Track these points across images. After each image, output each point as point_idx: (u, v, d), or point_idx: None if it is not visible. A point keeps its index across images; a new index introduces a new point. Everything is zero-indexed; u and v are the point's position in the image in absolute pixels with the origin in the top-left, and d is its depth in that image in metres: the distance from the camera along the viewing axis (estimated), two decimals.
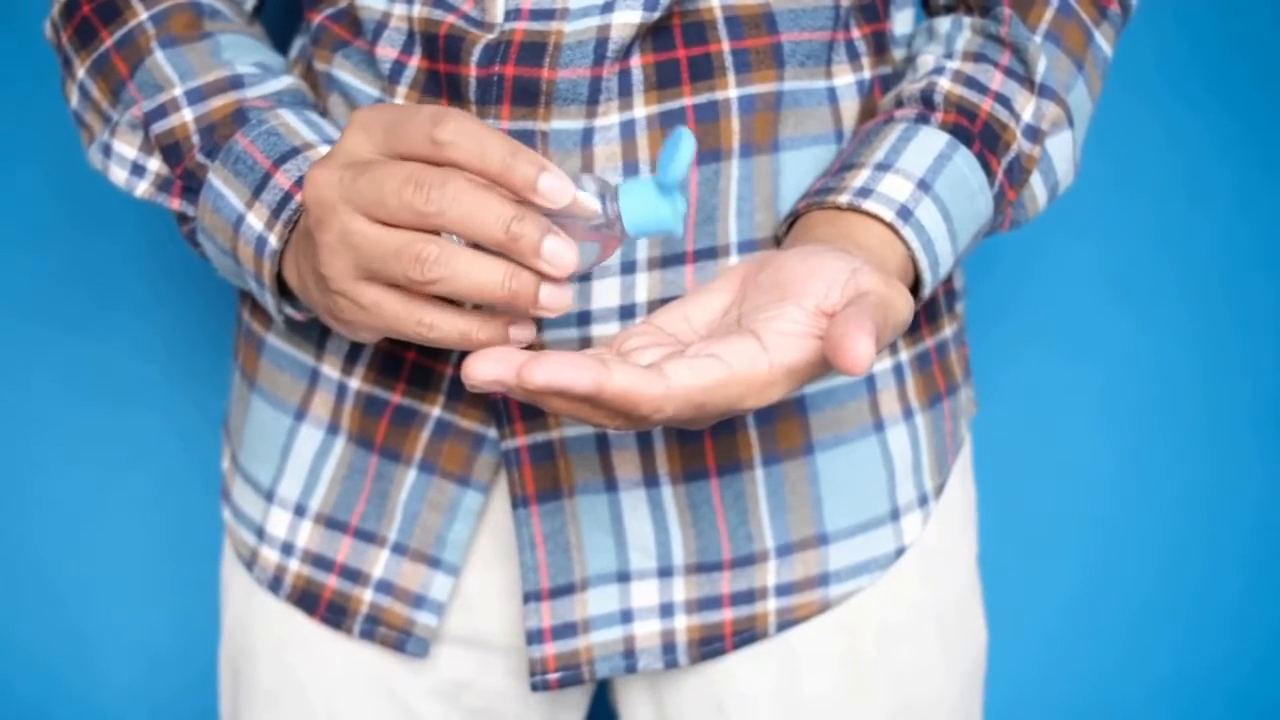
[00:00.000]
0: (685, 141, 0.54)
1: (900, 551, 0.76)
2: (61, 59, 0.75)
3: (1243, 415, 1.21)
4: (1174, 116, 1.15)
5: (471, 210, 0.53)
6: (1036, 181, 0.71)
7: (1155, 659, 1.24)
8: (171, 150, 0.70)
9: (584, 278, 0.68)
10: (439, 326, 0.56)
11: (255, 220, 0.65)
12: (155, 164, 0.71)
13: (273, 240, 0.64)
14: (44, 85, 1.09)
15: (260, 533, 0.79)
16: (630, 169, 0.67)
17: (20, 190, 1.12)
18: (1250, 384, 1.20)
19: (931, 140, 0.67)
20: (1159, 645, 1.24)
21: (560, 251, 0.54)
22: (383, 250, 0.54)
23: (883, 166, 0.65)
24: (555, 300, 0.55)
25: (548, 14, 0.66)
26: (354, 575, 0.76)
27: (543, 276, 0.55)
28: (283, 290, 0.68)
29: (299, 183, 0.64)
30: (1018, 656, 1.21)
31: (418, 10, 0.68)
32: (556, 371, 0.49)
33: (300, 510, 0.77)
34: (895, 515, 0.76)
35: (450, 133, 0.53)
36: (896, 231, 0.64)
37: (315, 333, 0.75)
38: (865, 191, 0.64)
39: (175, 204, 0.71)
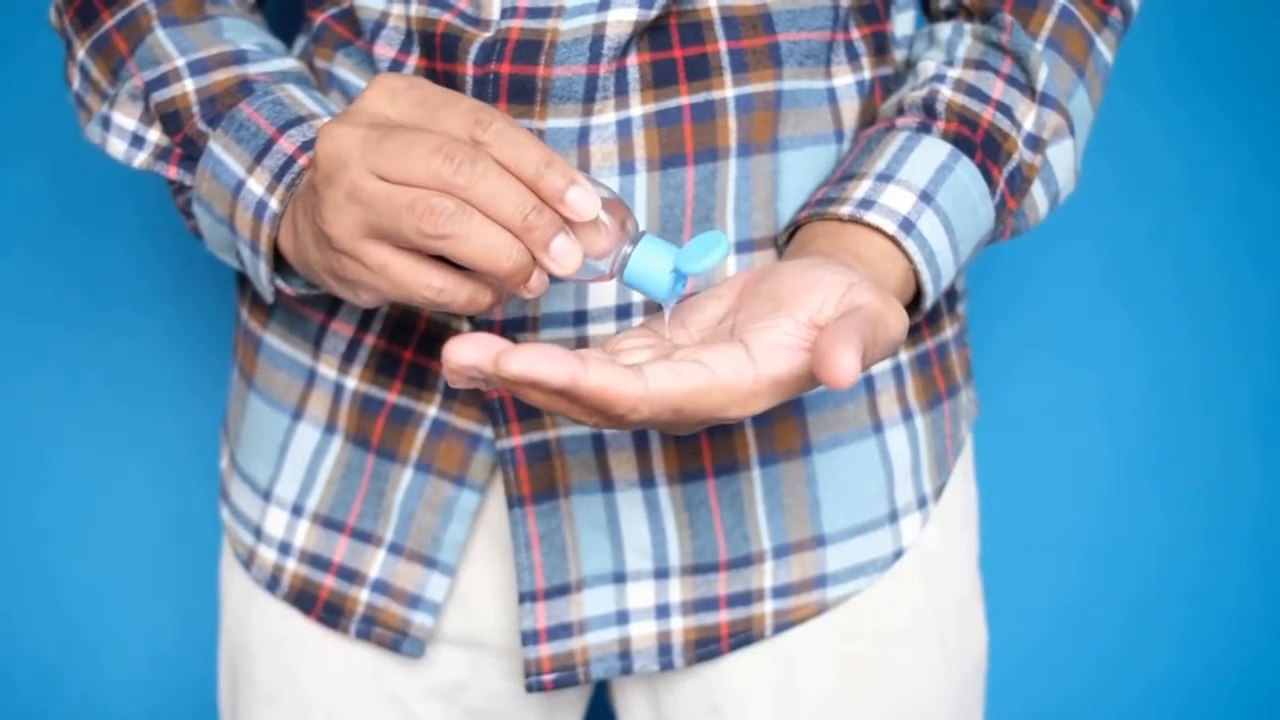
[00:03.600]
0: (719, 249, 0.55)
1: (899, 553, 0.76)
2: (64, 42, 0.75)
3: (1243, 417, 1.20)
4: (1174, 119, 1.15)
5: (495, 192, 0.54)
6: (1038, 190, 0.71)
7: (1155, 660, 1.24)
8: (171, 118, 0.69)
9: None
10: (448, 289, 0.56)
11: (256, 185, 0.65)
12: (155, 134, 0.71)
13: (274, 204, 0.64)
14: (46, 83, 1.09)
15: (258, 532, 0.79)
16: (626, 168, 0.67)
17: (22, 187, 1.12)
18: (1250, 386, 1.20)
19: (933, 151, 0.66)
20: (1158, 646, 1.23)
21: (567, 251, 0.55)
22: (395, 205, 0.54)
23: (884, 177, 0.65)
24: (540, 284, 0.56)
25: (543, 11, 0.66)
26: (350, 575, 0.76)
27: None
28: (276, 263, 0.68)
29: (303, 147, 0.64)
30: (1018, 658, 1.21)
31: (415, 9, 0.68)
32: (532, 363, 0.50)
33: (297, 510, 0.77)
34: (894, 517, 0.76)
35: (492, 135, 0.54)
36: (899, 244, 0.64)
37: (312, 332, 0.75)
38: (867, 203, 0.64)
39: (173, 172, 0.70)
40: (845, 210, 0.64)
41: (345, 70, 0.73)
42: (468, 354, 0.51)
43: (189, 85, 0.69)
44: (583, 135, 0.66)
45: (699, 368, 0.53)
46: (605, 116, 0.66)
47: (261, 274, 0.67)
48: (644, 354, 0.56)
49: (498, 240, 0.54)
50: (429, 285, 0.56)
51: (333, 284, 0.60)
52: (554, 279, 0.67)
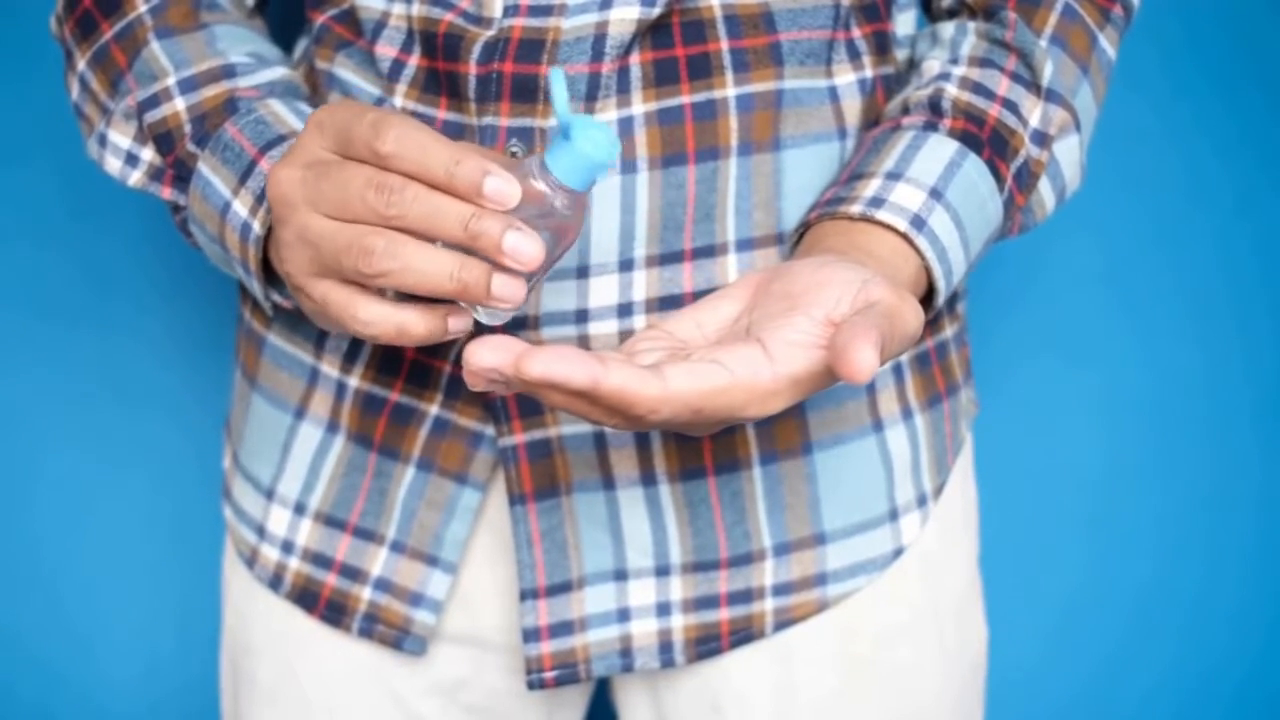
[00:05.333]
0: (555, 82, 0.54)
1: (899, 552, 0.76)
2: (64, 52, 0.75)
3: (1243, 417, 1.20)
4: (1175, 117, 1.15)
5: (430, 212, 0.54)
6: (1044, 187, 0.71)
7: (1154, 659, 1.24)
8: (164, 139, 0.70)
9: (581, 274, 0.68)
10: (375, 322, 0.57)
11: (240, 207, 0.66)
12: (148, 153, 0.71)
13: (256, 226, 0.65)
14: (48, 81, 1.09)
15: (261, 531, 0.79)
16: (628, 166, 0.67)
17: (25, 186, 1.12)
18: (1250, 385, 1.20)
19: (941, 148, 0.67)
20: (1158, 645, 1.24)
21: (523, 245, 0.54)
22: (335, 245, 0.55)
23: (893, 175, 0.65)
24: (508, 291, 0.55)
25: (546, 10, 0.66)
26: (353, 573, 0.76)
27: (498, 267, 0.55)
28: (270, 278, 0.69)
29: None
30: (1017, 656, 1.21)
31: (416, 9, 0.68)
32: (552, 365, 0.50)
33: (300, 508, 0.77)
34: (894, 515, 0.76)
35: (391, 144, 0.54)
36: (910, 241, 0.64)
37: (314, 331, 0.76)
38: (877, 201, 0.64)
39: (167, 193, 0.71)
40: (856, 209, 0.64)
41: (347, 71, 0.73)
42: (487, 357, 0.51)
43: (179, 104, 0.70)
44: None
45: (717, 368, 0.53)
46: (607, 115, 0.67)
47: (256, 290, 0.68)
48: (660, 355, 0.56)
49: (436, 266, 0.54)
50: (355, 317, 0.57)
51: (309, 316, 0.61)
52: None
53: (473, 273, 0.54)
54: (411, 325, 0.57)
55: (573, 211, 0.56)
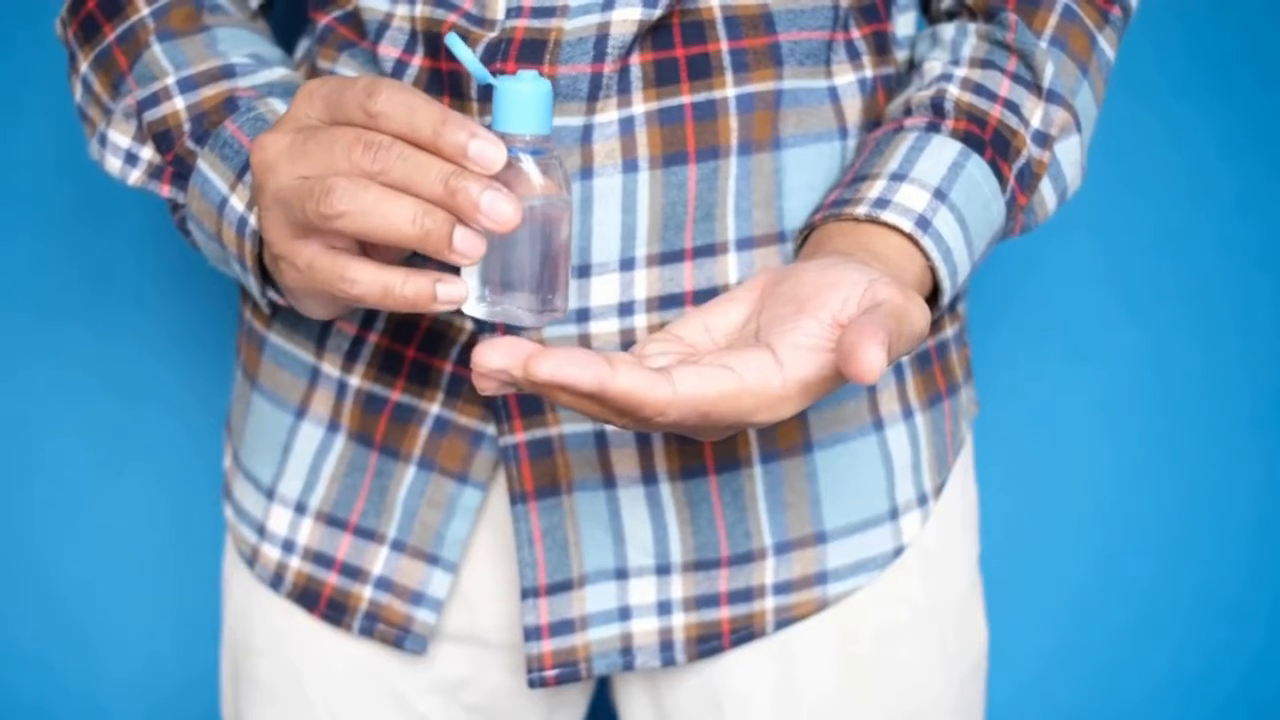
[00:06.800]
0: (456, 46, 0.56)
1: (899, 551, 0.76)
2: (68, 54, 0.75)
3: (1244, 416, 1.21)
4: (1176, 117, 1.16)
5: (413, 169, 0.53)
6: (1046, 187, 0.71)
7: (1156, 659, 1.24)
8: (163, 138, 0.70)
9: (582, 274, 0.68)
10: (360, 281, 0.56)
11: (238, 202, 0.66)
12: (148, 152, 0.71)
13: (253, 220, 0.65)
14: (52, 77, 1.09)
15: (261, 530, 0.79)
16: (629, 165, 0.67)
17: (27, 186, 1.12)
18: (1251, 384, 1.20)
19: (945, 149, 0.67)
20: (1160, 645, 1.24)
21: (498, 204, 0.53)
22: (299, 194, 0.54)
23: (898, 177, 0.66)
24: (470, 245, 0.54)
25: (548, 11, 0.66)
26: (354, 572, 0.76)
27: (460, 220, 0.54)
28: (267, 275, 0.69)
29: None
30: (1019, 657, 1.21)
31: (419, 10, 0.69)
32: (560, 367, 0.50)
33: (301, 508, 0.77)
34: (894, 514, 0.76)
35: (382, 103, 0.54)
36: (916, 242, 0.64)
37: (315, 331, 0.76)
38: (882, 202, 0.64)
39: (165, 190, 0.71)
40: (861, 210, 0.65)
41: (349, 72, 0.73)
42: (495, 359, 0.52)
43: (179, 103, 0.70)
44: (586, 134, 0.66)
45: (727, 373, 0.53)
46: (608, 114, 0.67)
47: (252, 286, 0.68)
48: (670, 359, 0.56)
49: (395, 209, 0.53)
50: (342, 277, 0.56)
51: (294, 302, 0.61)
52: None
53: (435, 219, 0.53)
54: (397, 285, 0.55)
55: (557, 193, 0.57)
